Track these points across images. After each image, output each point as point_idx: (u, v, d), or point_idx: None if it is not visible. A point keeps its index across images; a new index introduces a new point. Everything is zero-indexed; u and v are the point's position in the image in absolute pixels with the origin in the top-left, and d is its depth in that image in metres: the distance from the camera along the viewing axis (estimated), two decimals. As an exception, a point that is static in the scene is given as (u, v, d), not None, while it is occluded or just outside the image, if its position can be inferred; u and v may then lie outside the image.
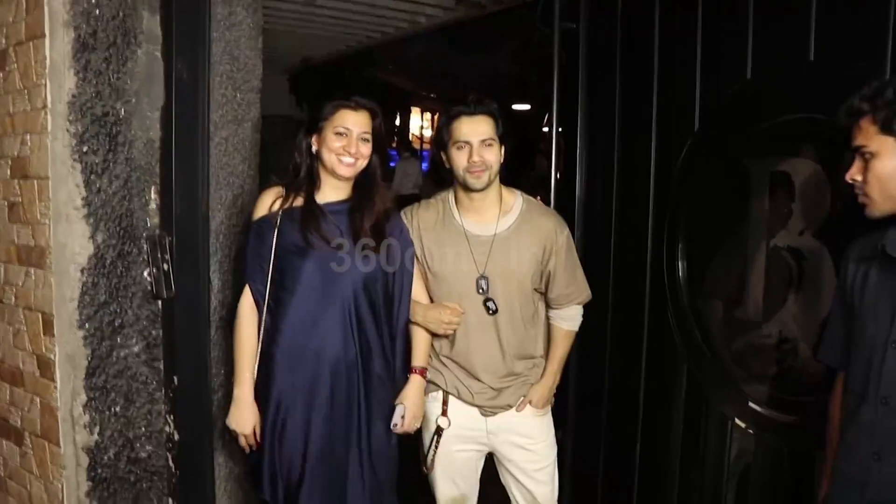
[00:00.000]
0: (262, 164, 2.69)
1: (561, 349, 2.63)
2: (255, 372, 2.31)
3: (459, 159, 2.42)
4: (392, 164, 9.30)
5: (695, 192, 2.59)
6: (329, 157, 2.30)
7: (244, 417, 2.28)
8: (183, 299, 2.26)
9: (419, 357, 2.50)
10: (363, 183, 2.38)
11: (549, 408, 2.67)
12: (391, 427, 2.43)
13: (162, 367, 2.26)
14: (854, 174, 1.71)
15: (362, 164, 2.33)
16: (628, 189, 2.91)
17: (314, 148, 2.34)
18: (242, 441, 2.31)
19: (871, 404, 1.64)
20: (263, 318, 2.30)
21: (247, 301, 2.31)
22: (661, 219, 2.71)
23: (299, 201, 2.32)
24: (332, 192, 2.37)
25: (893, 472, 1.61)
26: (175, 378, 2.25)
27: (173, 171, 2.24)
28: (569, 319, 2.62)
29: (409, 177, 8.90)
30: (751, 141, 2.39)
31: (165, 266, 2.25)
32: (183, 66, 2.21)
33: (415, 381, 2.48)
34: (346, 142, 2.28)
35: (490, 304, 2.47)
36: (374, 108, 2.37)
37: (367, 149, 2.33)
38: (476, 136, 2.39)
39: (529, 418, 2.60)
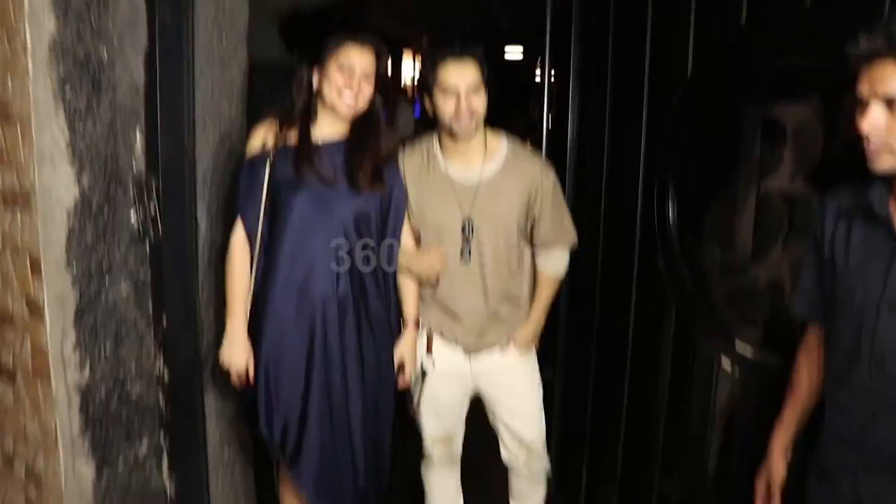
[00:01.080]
0: (250, 109, 2.69)
1: (546, 293, 2.67)
2: (248, 308, 2.34)
3: (446, 106, 2.38)
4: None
5: (687, 136, 2.57)
6: (329, 93, 2.29)
7: (237, 354, 2.32)
8: (170, 241, 2.30)
9: (410, 308, 2.53)
10: (364, 123, 2.37)
11: (533, 350, 2.72)
12: (390, 381, 2.49)
13: (151, 308, 2.30)
14: (873, 124, 1.47)
15: (363, 103, 2.32)
16: (620, 134, 2.89)
17: (315, 82, 2.33)
18: (234, 378, 2.36)
19: (864, 367, 1.60)
20: (255, 254, 2.32)
21: (238, 236, 2.34)
22: (653, 163, 2.70)
23: (294, 137, 2.33)
24: (329, 128, 2.37)
25: (889, 435, 1.59)
26: (164, 319, 2.29)
27: (158, 115, 2.25)
28: (554, 263, 2.65)
29: (402, 123, 8.83)
30: (744, 86, 2.36)
31: (152, 208, 2.28)
32: (166, 10, 2.21)
33: (409, 334, 2.54)
34: (348, 78, 2.27)
35: (465, 250, 2.49)
36: (380, 47, 2.33)
37: (368, 88, 2.31)
38: (463, 82, 2.35)
39: (513, 360, 2.66)
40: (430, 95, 2.42)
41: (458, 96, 2.35)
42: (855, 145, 1.61)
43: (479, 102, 2.39)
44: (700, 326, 2.56)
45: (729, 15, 2.36)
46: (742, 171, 2.44)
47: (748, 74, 2.35)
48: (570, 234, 2.63)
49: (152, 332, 2.32)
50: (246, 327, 2.35)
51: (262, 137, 2.33)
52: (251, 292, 2.35)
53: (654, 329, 2.73)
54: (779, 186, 2.33)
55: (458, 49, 2.37)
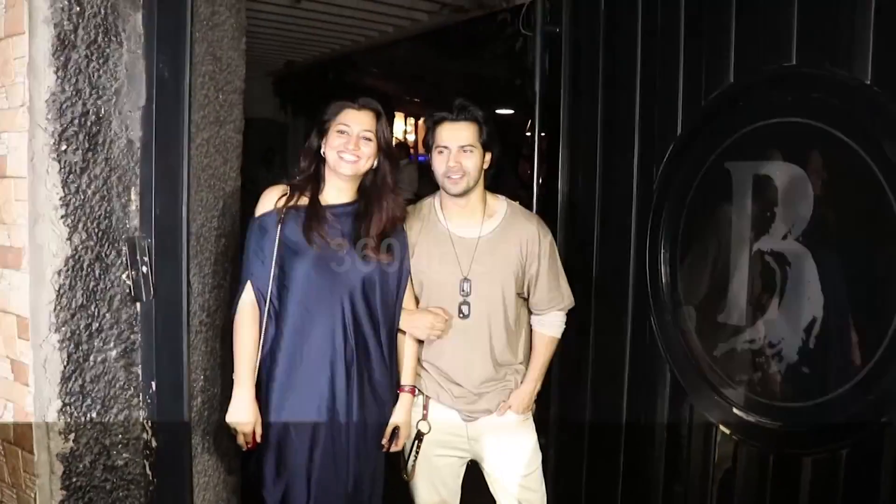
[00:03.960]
0: (244, 167, 2.68)
1: (543, 355, 2.66)
2: (257, 371, 2.33)
3: (439, 164, 2.47)
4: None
5: (677, 196, 2.59)
6: (332, 156, 2.35)
7: (245, 414, 2.29)
8: (162, 303, 2.23)
9: (408, 374, 2.53)
10: (371, 188, 2.43)
11: (530, 413, 2.68)
12: (381, 445, 2.46)
13: (140, 371, 2.22)
14: None
15: (365, 164, 2.37)
16: (611, 193, 2.91)
17: (322, 150, 2.39)
18: (241, 439, 2.32)
19: None
20: (265, 317, 2.32)
21: (248, 298, 2.33)
22: (644, 223, 2.72)
23: (303, 200, 2.36)
24: (336, 193, 2.41)
25: None
26: (153, 383, 2.22)
27: (153, 172, 2.22)
28: (551, 325, 2.65)
29: (407, 183, 8.85)
30: (733, 144, 2.39)
31: (144, 269, 2.22)
32: (164, 66, 2.18)
33: (405, 401, 2.51)
34: (347, 139, 2.34)
35: (464, 307, 2.50)
36: (377, 108, 2.42)
37: (369, 148, 2.37)
38: (455, 141, 2.45)
39: (511, 424, 2.61)
40: (430, 155, 2.52)
41: (450, 154, 2.45)
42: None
43: (471, 161, 2.46)
44: (695, 389, 2.52)
45: (717, 72, 2.41)
46: (733, 230, 2.44)
47: (738, 131, 2.37)
48: (566, 296, 2.65)
49: (140, 396, 2.23)
50: (253, 392, 2.32)
51: (273, 199, 2.36)
52: (259, 357, 2.33)
53: (649, 393, 2.70)
54: (770, 244, 2.33)
55: (456, 113, 2.47)
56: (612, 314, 2.87)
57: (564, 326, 2.68)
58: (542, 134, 3.40)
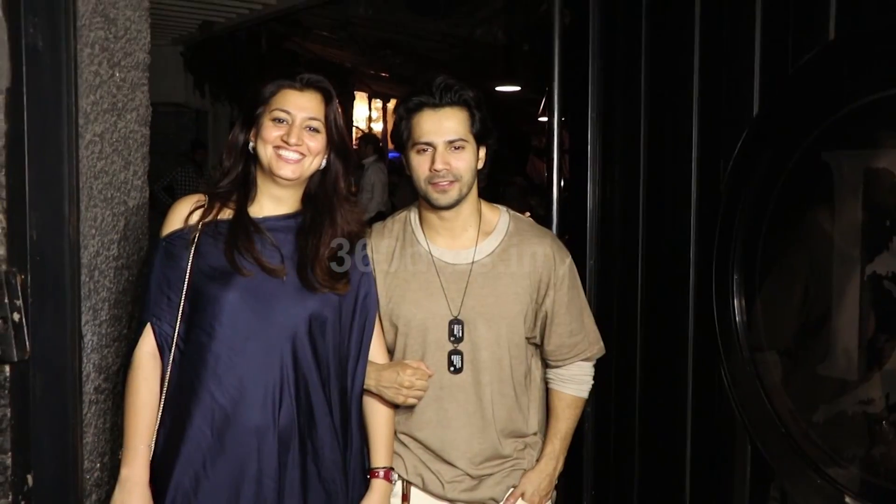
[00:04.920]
0: (152, 171, 2.67)
1: (564, 423, 2.66)
2: (153, 445, 2.31)
3: (420, 166, 2.49)
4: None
5: (755, 201, 2.59)
6: (265, 153, 2.35)
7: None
8: (42, 363, 2.17)
9: (381, 452, 2.52)
10: (318, 195, 2.45)
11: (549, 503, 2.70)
12: None
13: (10, 461, 2.14)
14: None
15: (311, 163, 2.38)
16: (660, 200, 2.94)
17: (251, 145, 2.39)
18: None
19: None
20: (169, 370, 2.32)
21: (147, 347, 2.33)
22: (709, 239, 2.72)
23: (227, 213, 2.37)
24: (272, 203, 2.42)
25: None
26: (29, 477, 2.15)
27: (27, 181, 2.15)
28: (574, 381, 2.66)
29: (373, 191, 8.79)
30: (834, 127, 2.37)
31: (16, 316, 2.14)
32: (36, 31, 2.13)
33: (378, 490, 2.50)
34: (286, 130, 2.33)
35: (455, 358, 2.52)
36: (326, 88, 2.42)
37: (316, 142, 2.37)
38: (441, 135, 2.45)
39: (522, 520, 2.62)
40: (405, 154, 2.55)
41: (434, 152, 2.46)
42: None
43: (462, 161, 2.47)
44: (788, 468, 2.52)
45: (811, 26, 2.41)
46: (836, 246, 2.44)
47: (841, 108, 2.35)
48: (594, 342, 2.68)
49: (11, 497, 2.15)
50: (147, 475, 2.31)
51: (184, 212, 2.35)
52: (159, 422, 2.33)
53: (723, 472, 2.72)
54: (892, 265, 2.29)
55: (438, 95, 2.47)
56: (665, 365, 2.91)
57: (593, 382, 2.69)
58: (563, 119, 3.41)
